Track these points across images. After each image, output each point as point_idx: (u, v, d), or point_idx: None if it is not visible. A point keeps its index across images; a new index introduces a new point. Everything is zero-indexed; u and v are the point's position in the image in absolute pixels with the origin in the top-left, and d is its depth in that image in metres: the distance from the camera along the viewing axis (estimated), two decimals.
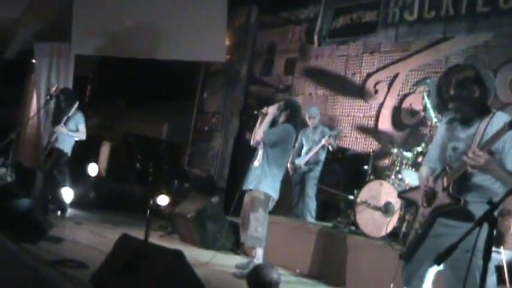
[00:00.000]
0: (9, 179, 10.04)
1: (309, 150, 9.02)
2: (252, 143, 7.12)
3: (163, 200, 9.68)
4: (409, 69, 9.59)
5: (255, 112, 7.20)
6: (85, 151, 10.76)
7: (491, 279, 3.74)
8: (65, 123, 9.16)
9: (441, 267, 3.93)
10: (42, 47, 12.42)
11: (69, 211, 9.58)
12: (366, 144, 9.91)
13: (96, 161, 13.08)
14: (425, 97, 7.93)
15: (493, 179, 3.82)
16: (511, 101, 7.99)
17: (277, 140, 6.86)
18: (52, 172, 9.24)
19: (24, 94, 14.61)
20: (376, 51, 10.18)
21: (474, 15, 7.94)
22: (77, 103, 9.31)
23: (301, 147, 9.13)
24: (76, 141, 9.42)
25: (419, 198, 4.19)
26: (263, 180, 6.80)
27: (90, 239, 7.57)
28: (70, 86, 11.50)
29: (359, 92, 10.32)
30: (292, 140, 7.05)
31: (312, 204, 8.94)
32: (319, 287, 7.01)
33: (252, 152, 7.29)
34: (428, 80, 8.87)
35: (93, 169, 11.99)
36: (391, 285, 5.30)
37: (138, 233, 4.74)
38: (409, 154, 7.64)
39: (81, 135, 9.38)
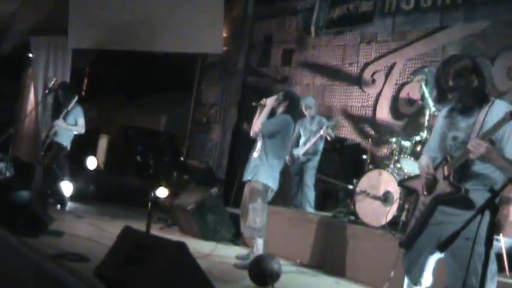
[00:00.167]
0: (8, 173, 10.02)
1: (307, 140, 9.02)
2: (251, 134, 7.13)
3: (162, 192, 9.69)
4: (406, 58, 9.60)
5: (254, 103, 7.20)
6: (83, 144, 10.77)
7: (492, 266, 3.78)
8: (64, 117, 9.17)
9: (441, 255, 3.97)
10: (38, 40, 12.40)
11: (69, 205, 9.59)
12: (363, 134, 9.92)
13: (95, 154, 13.08)
14: (423, 86, 7.95)
15: (493, 168, 3.85)
16: (509, 89, 8.01)
17: (275, 131, 6.87)
18: (51, 166, 9.26)
19: (21, 88, 14.57)
20: (373, 41, 10.19)
21: (471, 3, 7.94)
22: (76, 97, 9.32)
23: (299, 137, 9.14)
24: (75, 135, 9.44)
25: (419, 186, 4.22)
26: (261, 171, 6.81)
27: (91, 232, 7.59)
28: (67, 79, 11.49)
29: (356, 81, 10.33)
30: (290, 130, 7.06)
31: (310, 194, 8.95)
32: (320, 277, 7.04)
33: (250, 143, 7.30)
34: (425, 69, 8.86)
35: (91, 162, 12.00)
36: (391, 273, 5.33)
37: (138, 226, 4.75)
38: (407, 143, 7.66)
39: (81, 129, 9.40)
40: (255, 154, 6.94)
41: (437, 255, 4.07)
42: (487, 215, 3.02)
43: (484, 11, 7.98)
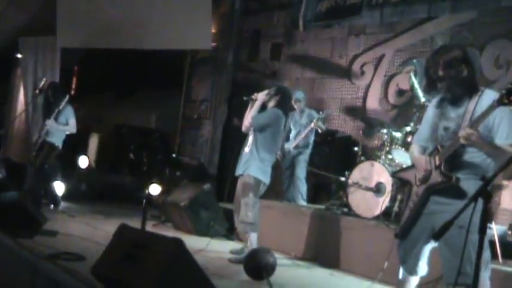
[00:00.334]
0: None
1: (298, 134, 9.03)
2: (242, 128, 7.14)
3: (154, 189, 9.69)
4: (394, 49, 9.64)
5: (245, 98, 7.20)
6: (74, 144, 10.75)
7: (486, 254, 3.82)
8: (55, 118, 9.16)
9: (436, 244, 4.02)
10: (27, 41, 12.36)
11: (62, 204, 9.58)
12: (354, 126, 9.96)
13: (85, 153, 13.06)
14: (412, 77, 7.99)
15: (484, 156, 3.91)
16: (497, 78, 8.06)
17: (265, 124, 6.86)
18: (43, 166, 9.25)
19: (10, 89, 14.52)
20: (361, 33, 10.21)
21: None
22: (67, 97, 9.32)
23: (289, 131, 9.15)
24: (66, 135, 9.43)
25: (412, 177, 4.27)
26: (252, 165, 6.81)
27: (85, 231, 7.58)
28: (57, 79, 11.47)
29: (346, 74, 10.36)
30: (281, 124, 7.02)
31: (303, 187, 8.98)
32: (314, 269, 7.07)
33: (241, 138, 7.31)
34: (414, 60, 8.92)
35: (83, 161, 11.98)
36: (385, 263, 5.37)
37: (132, 223, 4.74)
38: (398, 134, 7.70)
39: (72, 128, 9.39)
40: (247, 149, 6.94)
41: (431, 245, 4.11)
42: (479, 203, 3.05)
43: (471, 1, 8.04)
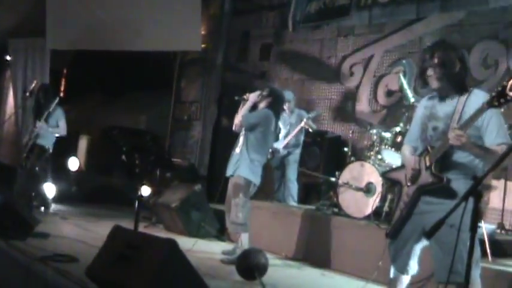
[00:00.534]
0: None
1: (287, 133, 9.05)
2: (233, 128, 7.15)
3: (145, 190, 9.69)
4: (383, 50, 9.69)
5: (236, 98, 7.21)
6: (63, 145, 10.72)
7: (477, 252, 3.88)
8: (45, 119, 9.14)
9: (427, 243, 4.07)
10: (16, 43, 12.31)
11: (53, 206, 9.57)
12: (344, 127, 10.00)
13: (75, 155, 13.02)
14: (401, 77, 8.05)
15: (472, 157, 3.97)
16: (485, 78, 8.13)
17: (255, 123, 6.87)
18: (34, 168, 9.23)
19: (0, 91, 14.46)
20: (350, 34, 10.25)
21: None
22: (57, 98, 9.31)
23: (279, 131, 9.16)
24: (56, 137, 9.42)
25: (403, 177, 4.31)
26: (243, 166, 6.83)
27: (77, 232, 7.59)
28: (47, 81, 11.43)
29: (335, 74, 10.39)
30: (271, 125, 7.01)
31: (293, 187, 9.00)
32: (305, 269, 7.10)
33: (231, 138, 7.33)
34: (403, 61, 9.00)
35: (73, 163, 11.95)
36: (380, 262, 5.40)
37: (123, 225, 4.74)
38: (388, 134, 7.73)
39: (62, 131, 9.37)
40: (237, 150, 6.96)
41: (422, 244, 4.17)
42: (470, 202, 3.10)
43: (459, 1, 8.12)
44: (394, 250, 4.29)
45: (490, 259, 5.73)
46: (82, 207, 10.42)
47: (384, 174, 5.40)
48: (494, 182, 7.59)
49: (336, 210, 7.92)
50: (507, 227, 7.21)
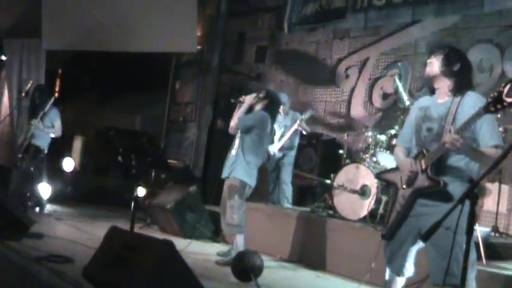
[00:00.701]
0: None
1: (282, 136, 9.05)
2: (229, 130, 7.16)
3: (140, 191, 9.67)
4: (379, 53, 9.71)
5: (232, 100, 7.22)
6: (58, 146, 10.71)
7: (472, 255, 3.90)
8: (41, 119, 9.13)
9: (422, 245, 4.09)
10: (11, 43, 12.28)
11: (47, 207, 9.56)
12: (339, 129, 10.01)
13: (70, 156, 13.00)
14: (397, 80, 8.08)
15: (467, 159, 3.99)
16: (480, 82, 8.14)
17: (251, 125, 6.87)
18: (29, 169, 9.22)
19: None
20: (346, 37, 10.27)
21: None
22: (53, 99, 9.30)
23: (274, 134, 9.16)
24: (52, 138, 9.42)
25: (398, 179, 4.32)
26: (238, 168, 6.83)
27: (71, 233, 7.58)
28: (42, 81, 11.40)
29: (330, 77, 10.41)
30: (267, 127, 7.01)
31: (288, 190, 9.00)
32: (300, 271, 7.11)
33: (226, 140, 7.33)
34: (399, 64, 9.04)
35: (68, 164, 11.94)
36: (372, 264, 5.43)
37: (119, 226, 4.77)
38: (383, 137, 7.75)
39: (57, 131, 9.36)
40: (233, 151, 6.96)
41: (418, 246, 4.19)
42: (466, 205, 3.12)
43: (454, 4, 8.16)
44: (390, 252, 4.31)
45: (484, 262, 5.75)
46: (77, 208, 10.40)
47: (378, 175, 5.41)
48: (488, 185, 7.62)
49: (331, 212, 7.94)
50: (501, 229, 7.24)
